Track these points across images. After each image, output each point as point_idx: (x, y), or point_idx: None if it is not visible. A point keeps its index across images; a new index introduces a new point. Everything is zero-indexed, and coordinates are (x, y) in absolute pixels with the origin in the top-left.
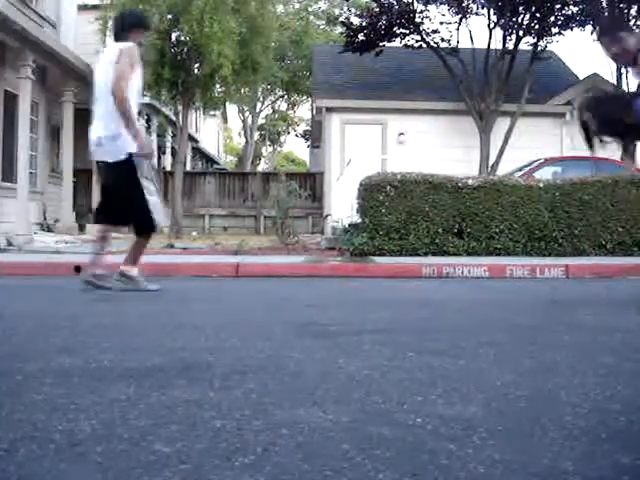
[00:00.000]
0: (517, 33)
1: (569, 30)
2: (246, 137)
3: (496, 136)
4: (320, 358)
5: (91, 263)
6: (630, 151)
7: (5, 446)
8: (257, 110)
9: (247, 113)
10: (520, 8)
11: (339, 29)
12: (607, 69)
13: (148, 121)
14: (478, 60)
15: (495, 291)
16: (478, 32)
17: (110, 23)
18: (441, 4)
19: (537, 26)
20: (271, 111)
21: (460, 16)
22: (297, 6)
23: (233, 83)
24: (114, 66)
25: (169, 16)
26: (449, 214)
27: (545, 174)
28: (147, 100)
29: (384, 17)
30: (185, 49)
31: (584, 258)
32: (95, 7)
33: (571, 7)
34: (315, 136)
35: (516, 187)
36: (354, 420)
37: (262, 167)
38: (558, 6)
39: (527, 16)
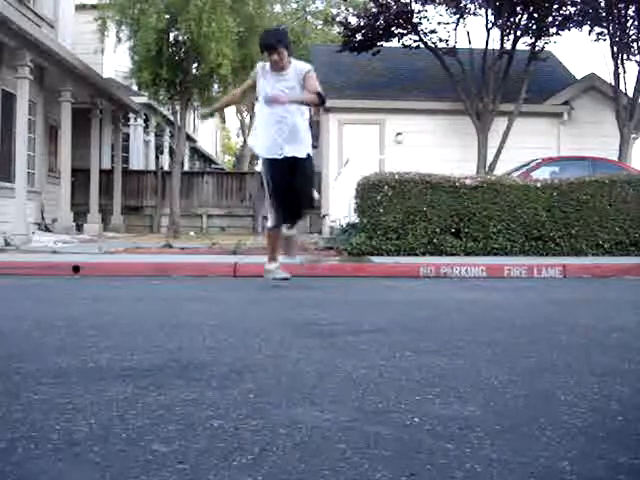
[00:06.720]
0: (515, 33)
1: (567, 30)
2: (244, 137)
3: (494, 136)
4: (318, 358)
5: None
6: None
7: (3, 446)
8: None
9: (245, 113)
10: (518, 8)
11: (337, 29)
12: (604, 69)
13: (146, 121)
14: (476, 60)
15: (492, 291)
16: (476, 32)
17: (108, 23)
18: (439, 4)
19: (535, 26)
20: None
21: (458, 16)
22: (294, 6)
23: (232, 82)
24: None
25: (167, 15)
26: (447, 214)
27: (543, 174)
28: (145, 100)
29: (382, 17)
30: (183, 49)
31: (581, 258)
32: (93, 7)
33: (569, 7)
34: (313, 136)
35: (514, 187)
36: (352, 420)
37: None
38: (556, 6)
39: (525, 16)
